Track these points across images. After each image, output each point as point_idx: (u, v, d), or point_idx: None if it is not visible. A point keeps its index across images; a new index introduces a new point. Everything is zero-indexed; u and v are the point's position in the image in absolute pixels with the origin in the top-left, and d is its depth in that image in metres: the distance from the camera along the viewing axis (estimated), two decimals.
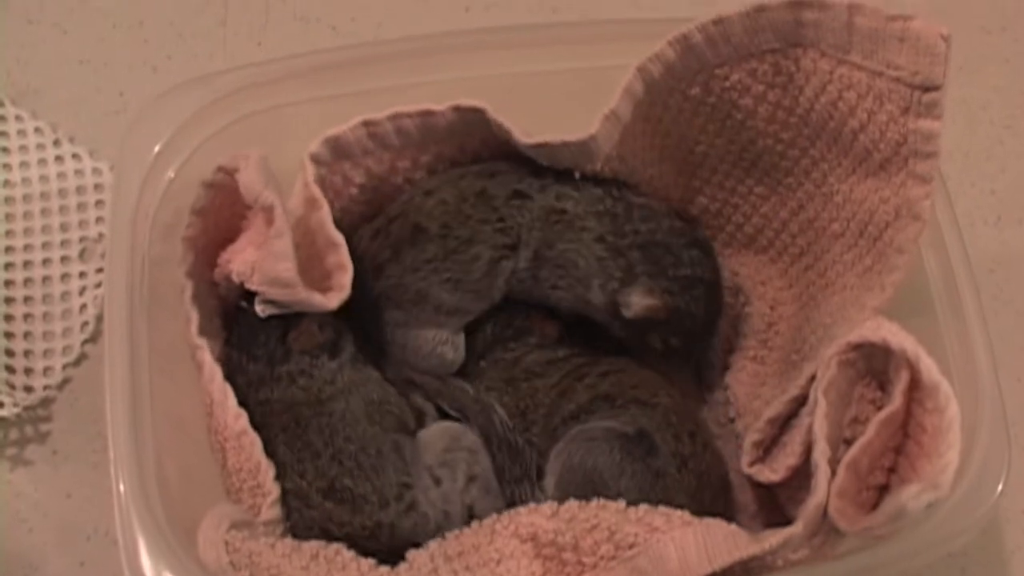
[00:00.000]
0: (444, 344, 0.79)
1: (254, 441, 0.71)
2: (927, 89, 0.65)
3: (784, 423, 0.74)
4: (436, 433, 0.75)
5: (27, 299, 0.86)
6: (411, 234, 0.77)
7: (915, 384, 0.66)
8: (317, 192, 0.73)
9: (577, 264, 0.77)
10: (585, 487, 0.71)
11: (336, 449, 0.72)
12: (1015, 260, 0.91)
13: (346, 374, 0.75)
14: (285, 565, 0.65)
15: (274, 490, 0.70)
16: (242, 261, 0.72)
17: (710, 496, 0.74)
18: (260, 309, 0.72)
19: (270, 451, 0.72)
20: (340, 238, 0.72)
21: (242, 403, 0.72)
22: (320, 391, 0.74)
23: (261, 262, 0.70)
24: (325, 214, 0.73)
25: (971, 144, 0.95)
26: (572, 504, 0.68)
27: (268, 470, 0.71)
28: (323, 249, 0.73)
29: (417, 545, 0.69)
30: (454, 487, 0.72)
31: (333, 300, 0.72)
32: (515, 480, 0.74)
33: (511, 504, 0.73)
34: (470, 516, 0.72)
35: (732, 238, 0.85)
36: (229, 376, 0.73)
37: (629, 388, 0.77)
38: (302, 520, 0.71)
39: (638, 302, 0.76)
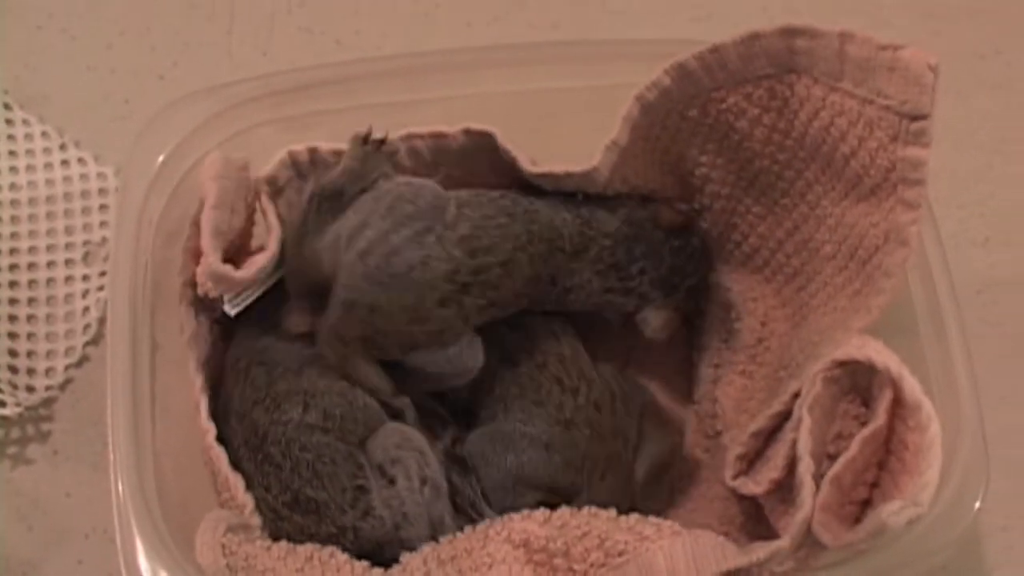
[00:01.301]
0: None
1: (219, 455, 0.72)
2: (915, 118, 0.67)
3: (768, 437, 0.76)
4: (386, 432, 0.75)
5: (31, 300, 0.88)
6: None
7: (898, 402, 0.68)
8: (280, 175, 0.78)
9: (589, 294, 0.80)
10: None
11: (294, 461, 0.73)
12: (1002, 282, 0.93)
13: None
14: (281, 568, 0.67)
15: (248, 502, 0.72)
16: (199, 272, 0.73)
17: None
18: (227, 309, 0.74)
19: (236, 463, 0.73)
20: (268, 205, 0.77)
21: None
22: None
23: (200, 266, 0.73)
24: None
25: (961, 166, 0.96)
26: (564, 511, 0.70)
27: (238, 483, 0.72)
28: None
29: (411, 549, 0.70)
30: (409, 486, 0.72)
31: (272, 245, 0.75)
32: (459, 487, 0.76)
33: (458, 510, 0.74)
34: (429, 520, 0.73)
35: (731, 256, 0.86)
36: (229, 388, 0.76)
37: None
38: (276, 531, 0.72)
39: (655, 322, 0.81)
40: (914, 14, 1.01)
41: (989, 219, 0.95)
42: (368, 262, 0.72)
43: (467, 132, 0.77)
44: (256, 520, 0.72)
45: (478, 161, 0.79)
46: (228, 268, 0.72)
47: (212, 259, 0.71)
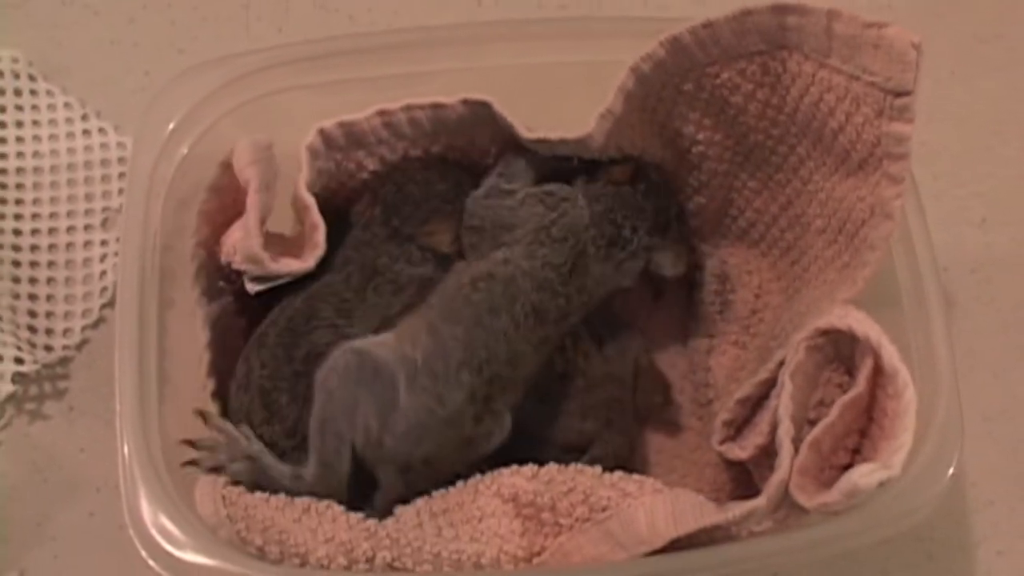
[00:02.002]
0: None
1: (214, 413, 0.75)
2: (899, 94, 0.69)
3: (756, 404, 0.78)
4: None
5: (51, 264, 0.91)
6: None
7: (878, 370, 0.70)
8: (303, 156, 0.78)
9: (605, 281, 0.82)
10: None
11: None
12: (997, 261, 0.94)
13: None
14: (279, 517, 0.69)
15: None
16: (230, 242, 0.76)
17: None
18: (249, 287, 0.76)
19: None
20: (310, 199, 0.78)
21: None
22: None
23: (240, 241, 0.75)
24: (301, 178, 0.78)
25: (960, 148, 0.98)
26: (552, 467, 0.73)
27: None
28: (301, 212, 0.79)
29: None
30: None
31: (309, 259, 0.77)
32: None
33: None
34: None
35: (727, 230, 0.88)
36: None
37: None
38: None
39: (668, 261, 0.83)
40: None
41: (987, 199, 0.96)
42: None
43: (465, 102, 0.79)
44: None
45: (477, 130, 0.81)
46: (266, 256, 0.75)
47: (255, 242, 0.74)
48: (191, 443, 0.73)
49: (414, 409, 0.73)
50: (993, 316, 0.93)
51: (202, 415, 0.74)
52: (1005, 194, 0.97)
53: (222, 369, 0.78)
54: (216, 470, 0.72)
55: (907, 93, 0.69)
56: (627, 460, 0.81)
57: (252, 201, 0.75)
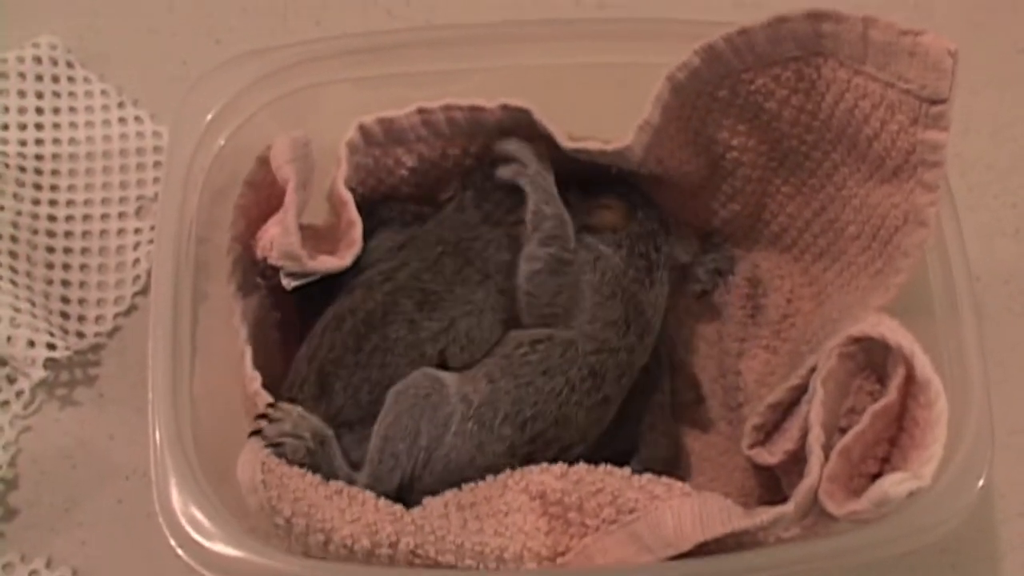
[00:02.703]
0: None
1: (265, 401, 0.75)
2: (934, 102, 0.69)
3: (786, 410, 0.78)
4: None
5: (84, 251, 0.92)
6: None
7: (910, 379, 0.70)
8: (342, 152, 0.79)
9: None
10: None
11: None
12: None
13: None
14: (311, 493, 0.70)
15: None
16: (267, 238, 0.76)
17: None
18: (285, 282, 0.77)
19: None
20: (348, 195, 0.78)
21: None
22: None
23: (278, 238, 0.75)
24: (340, 173, 0.79)
25: (996, 158, 0.97)
26: (581, 467, 0.73)
27: None
28: (338, 207, 0.79)
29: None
30: None
31: (346, 257, 0.77)
32: None
33: None
34: None
35: (760, 234, 0.88)
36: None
37: None
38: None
39: (683, 252, 0.86)
40: (956, 5, 1.02)
41: (1021, 211, 0.96)
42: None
43: (505, 108, 0.79)
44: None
45: (516, 134, 0.81)
46: (304, 253, 0.75)
47: (294, 239, 0.74)
48: (265, 415, 0.74)
49: (456, 451, 0.74)
50: None
51: (271, 405, 0.75)
52: None
53: (259, 364, 0.78)
54: (277, 445, 0.73)
55: (942, 101, 0.69)
56: (675, 461, 0.82)
57: (291, 199, 0.75)
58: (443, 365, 0.78)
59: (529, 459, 0.75)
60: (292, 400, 0.76)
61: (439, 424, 0.75)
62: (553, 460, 0.75)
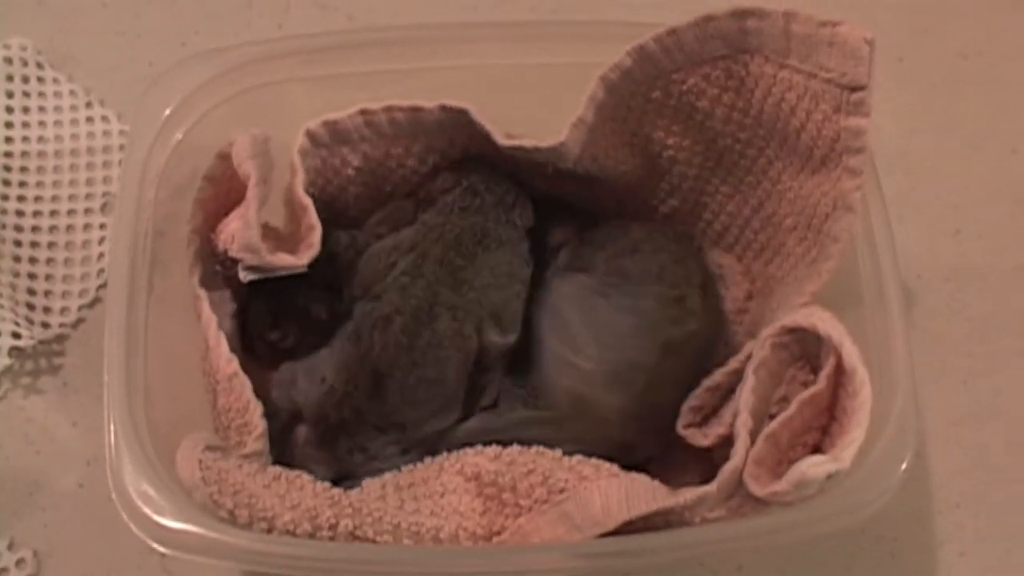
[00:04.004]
0: None
1: (244, 383, 0.77)
2: (854, 89, 0.72)
3: (724, 395, 0.80)
4: None
5: (51, 244, 0.94)
6: None
7: (840, 369, 0.72)
8: (295, 160, 0.81)
9: None
10: None
11: None
12: (969, 271, 0.96)
13: None
14: (249, 483, 0.72)
15: (260, 424, 0.77)
16: (228, 231, 0.79)
17: None
18: (242, 275, 0.79)
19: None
20: (307, 200, 0.80)
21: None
22: None
23: (239, 231, 0.77)
24: (297, 180, 0.81)
25: (938, 160, 1.00)
26: (514, 449, 0.76)
27: (256, 408, 0.77)
28: (298, 212, 0.81)
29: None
30: None
31: (303, 257, 0.79)
32: None
33: None
34: None
35: (703, 235, 0.90)
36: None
37: None
38: None
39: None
40: (903, 12, 1.05)
41: (962, 211, 0.99)
42: None
43: (443, 108, 0.82)
44: (260, 445, 0.77)
45: (456, 133, 0.84)
46: (264, 247, 0.77)
47: (254, 233, 0.76)
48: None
49: None
50: (963, 324, 0.95)
51: None
52: (979, 207, 0.99)
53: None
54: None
55: (862, 88, 0.72)
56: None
57: (252, 194, 0.78)
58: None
59: None
60: (345, 400, 0.79)
61: None
62: None
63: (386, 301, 0.81)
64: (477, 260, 0.82)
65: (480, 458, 0.75)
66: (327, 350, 0.82)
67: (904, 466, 0.73)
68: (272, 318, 0.83)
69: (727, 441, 0.77)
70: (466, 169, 0.85)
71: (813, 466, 0.67)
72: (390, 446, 0.80)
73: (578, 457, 0.74)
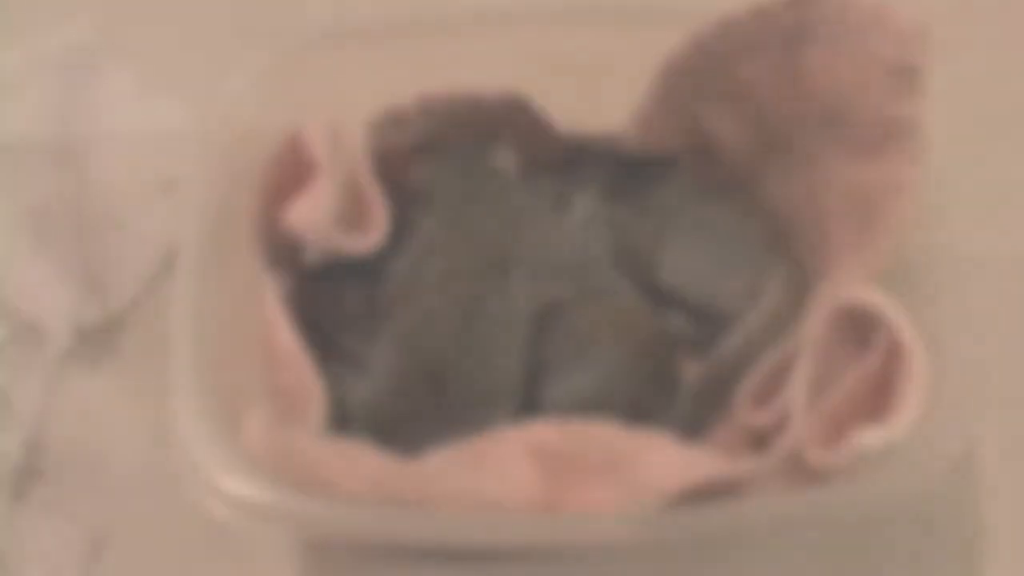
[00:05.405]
0: None
1: (305, 361, 0.78)
2: (909, 73, 0.74)
3: (779, 375, 0.81)
4: None
5: (111, 227, 0.96)
6: None
7: (894, 348, 0.73)
8: (359, 141, 0.84)
9: None
10: None
11: None
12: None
13: None
14: (312, 451, 0.74)
15: (322, 400, 0.78)
16: (295, 213, 0.80)
17: None
18: (311, 260, 0.82)
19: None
20: (372, 182, 0.82)
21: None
22: None
23: (305, 212, 0.80)
24: (360, 162, 0.83)
25: (993, 144, 0.99)
26: (574, 420, 0.76)
27: (317, 384, 0.78)
28: (362, 194, 0.83)
29: None
30: None
31: (373, 238, 0.81)
32: None
33: None
34: None
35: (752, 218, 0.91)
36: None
37: None
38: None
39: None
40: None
41: (1018, 196, 0.99)
42: None
43: (501, 94, 0.84)
44: (321, 419, 0.78)
45: (514, 119, 0.86)
46: (335, 230, 0.79)
47: (322, 214, 0.79)
48: None
49: None
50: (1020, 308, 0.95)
51: None
52: None
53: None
54: None
55: (916, 72, 0.74)
56: None
57: (321, 177, 0.80)
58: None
59: None
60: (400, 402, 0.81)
61: None
62: None
63: (426, 300, 0.82)
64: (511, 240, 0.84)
65: (542, 428, 0.76)
66: (376, 351, 0.83)
67: (959, 446, 0.73)
68: (328, 305, 0.85)
69: (780, 421, 0.78)
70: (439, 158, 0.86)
71: (868, 435, 0.68)
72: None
73: (638, 429, 0.75)
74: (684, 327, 0.86)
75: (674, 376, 0.85)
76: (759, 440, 0.83)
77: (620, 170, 0.87)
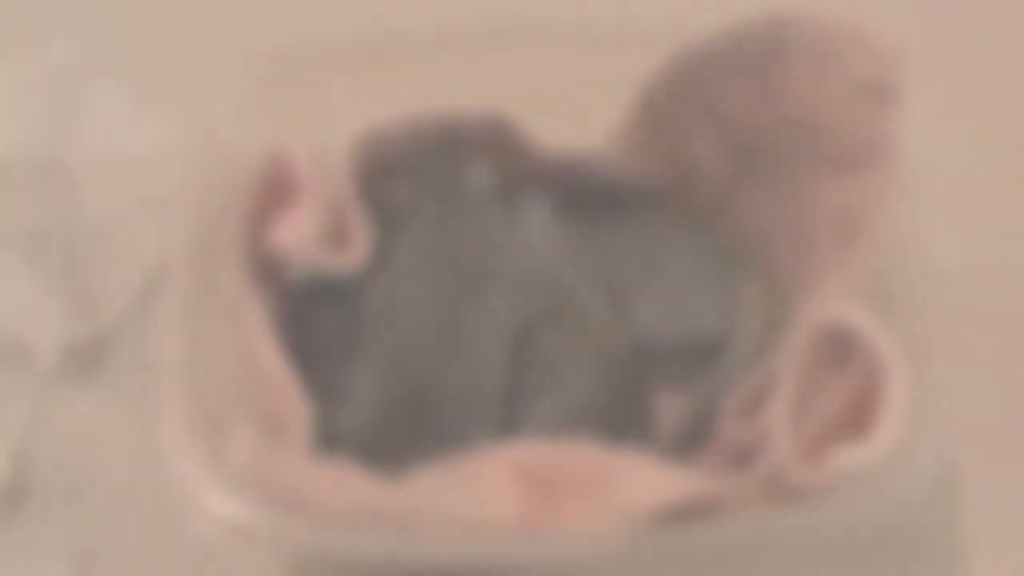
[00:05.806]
0: None
1: (290, 382, 0.78)
2: (888, 91, 0.75)
3: (759, 392, 0.81)
4: None
5: (100, 245, 0.96)
6: None
7: (875, 365, 0.74)
8: (343, 162, 0.84)
9: None
10: None
11: None
12: (1006, 273, 0.98)
13: None
14: (299, 471, 0.74)
15: (306, 421, 0.78)
16: (281, 235, 0.81)
17: None
18: (293, 277, 0.81)
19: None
20: (355, 204, 0.83)
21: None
22: None
23: (291, 232, 0.80)
24: (344, 182, 0.84)
25: (973, 161, 1.01)
26: (557, 439, 0.77)
27: (302, 406, 0.78)
28: (345, 215, 0.83)
29: None
30: None
31: (356, 257, 0.82)
32: None
33: None
34: None
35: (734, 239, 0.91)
36: None
37: None
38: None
39: None
40: (935, 14, 1.06)
41: (996, 213, 0.99)
42: None
43: (483, 115, 0.85)
44: (306, 441, 0.77)
45: (495, 138, 0.86)
46: (318, 248, 0.80)
47: (308, 234, 0.79)
48: None
49: None
50: (998, 324, 0.95)
51: None
52: (1016, 208, 1.00)
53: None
54: None
55: (895, 89, 0.75)
56: None
57: (306, 195, 0.80)
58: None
59: None
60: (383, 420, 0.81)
61: None
62: None
63: (406, 322, 0.83)
64: (490, 260, 0.84)
65: (525, 447, 0.76)
66: (359, 374, 0.83)
67: (938, 460, 0.74)
68: (306, 326, 0.84)
69: (760, 438, 0.78)
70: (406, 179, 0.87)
71: (848, 454, 0.69)
72: None
73: (619, 448, 0.76)
74: (661, 360, 0.86)
75: (649, 396, 0.85)
76: (743, 458, 0.84)
77: (596, 196, 0.87)
